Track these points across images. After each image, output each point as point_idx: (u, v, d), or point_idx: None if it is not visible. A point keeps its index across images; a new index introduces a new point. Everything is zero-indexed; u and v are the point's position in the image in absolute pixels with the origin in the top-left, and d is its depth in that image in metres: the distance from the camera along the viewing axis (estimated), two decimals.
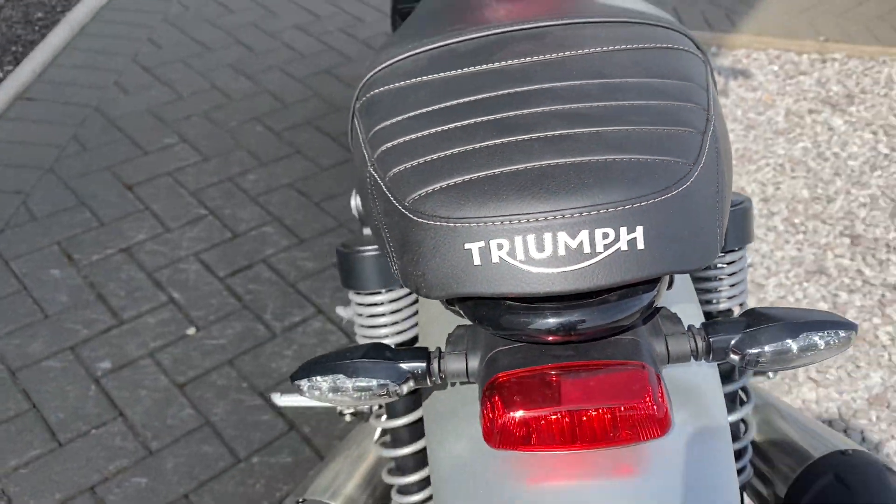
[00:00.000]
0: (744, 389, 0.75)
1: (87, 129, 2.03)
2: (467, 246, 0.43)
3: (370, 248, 0.69)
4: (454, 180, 0.45)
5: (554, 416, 0.42)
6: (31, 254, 1.66)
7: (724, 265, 0.71)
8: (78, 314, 1.53)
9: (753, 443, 0.82)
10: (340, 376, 0.50)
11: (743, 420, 0.74)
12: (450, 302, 0.50)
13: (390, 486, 0.81)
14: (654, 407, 0.41)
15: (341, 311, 0.91)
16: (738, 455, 0.75)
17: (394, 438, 0.77)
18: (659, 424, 0.41)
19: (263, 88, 2.23)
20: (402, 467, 0.78)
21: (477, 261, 0.43)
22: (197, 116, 2.10)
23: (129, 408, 1.37)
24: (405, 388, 0.49)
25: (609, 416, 0.41)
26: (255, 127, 2.08)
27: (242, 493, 1.25)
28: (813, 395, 1.53)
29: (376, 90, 0.60)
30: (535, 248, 0.42)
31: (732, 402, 0.71)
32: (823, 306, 1.72)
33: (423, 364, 0.49)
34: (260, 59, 2.37)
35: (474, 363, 0.48)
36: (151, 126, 2.05)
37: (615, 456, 0.44)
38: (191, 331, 1.51)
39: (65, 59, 2.29)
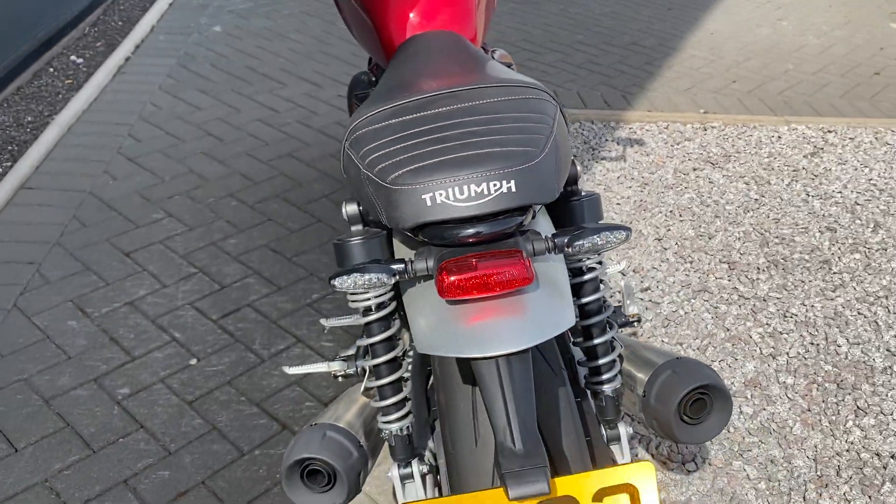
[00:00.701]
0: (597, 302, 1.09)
1: (84, 209, 2.35)
2: (423, 197, 0.81)
3: (357, 237, 1.06)
4: (412, 166, 0.84)
5: (474, 277, 0.78)
6: (50, 310, 1.95)
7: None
8: (96, 354, 1.82)
9: (622, 364, 1.18)
10: (357, 275, 0.86)
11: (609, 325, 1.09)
12: (413, 232, 0.87)
13: (377, 412, 1.15)
14: (525, 270, 0.79)
15: (324, 322, 1.27)
16: (608, 369, 1.11)
17: (376, 373, 1.12)
18: (528, 279, 0.79)
19: (235, 170, 2.60)
20: (382, 395, 1.12)
21: (428, 203, 0.81)
22: (179, 196, 2.45)
23: (148, 421, 1.66)
24: (393, 280, 0.87)
25: (517, 272, 0.79)
26: (231, 202, 2.44)
27: (248, 477, 1.55)
28: None
29: (359, 131, 0.98)
30: (458, 194, 0.80)
31: (588, 292, 1.06)
32: (707, 317, 2.13)
33: (402, 266, 0.86)
34: (229, 146, 2.75)
35: (430, 262, 0.86)
36: (140, 205, 2.39)
37: (508, 301, 0.81)
38: (193, 361, 1.82)
39: (57, 154, 2.63)
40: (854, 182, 2.82)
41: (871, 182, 2.84)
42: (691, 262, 2.34)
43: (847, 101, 3.49)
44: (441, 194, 0.82)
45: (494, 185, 0.81)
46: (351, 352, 1.31)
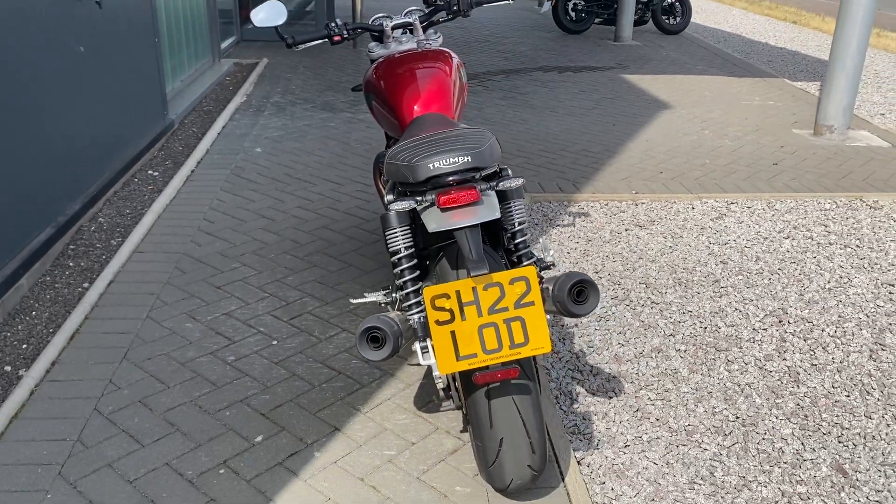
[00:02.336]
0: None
1: (182, 263, 3.27)
2: (429, 165, 1.77)
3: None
4: (423, 154, 1.80)
5: (454, 196, 1.72)
6: (171, 318, 2.83)
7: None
8: (208, 341, 2.69)
9: (549, 290, 2.09)
10: (403, 202, 1.81)
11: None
12: (423, 183, 1.81)
13: (404, 313, 2.04)
14: (477, 193, 1.73)
15: (352, 301, 2.22)
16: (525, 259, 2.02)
17: (403, 288, 2.01)
18: (477, 196, 1.73)
19: (286, 238, 3.55)
20: (406, 300, 2.01)
21: (432, 168, 1.77)
22: (248, 254, 3.38)
23: (249, 373, 2.52)
24: (417, 205, 1.83)
25: (471, 195, 1.72)
26: (286, 256, 3.37)
27: (319, 398, 2.39)
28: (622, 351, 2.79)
29: (395, 150, 1.95)
30: (445, 163, 1.77)
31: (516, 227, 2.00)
32: (628, 315, 3.02)
33: (422, 198, 1.81)
34: (279, 224, 3.71)
35: (433, 195, 1.80)
36: (221, 260, 3.32)
37: (469, 208, 1.74)
38: (274, 342, 2.69)
39: (155, 231, 3.58)
40: (746, 234, 3.79)
41: (759, 233, 3.81)
42: (618, 284, 3.26)
43: (749, 182, 4.53)
44: (437, 163, 1.77)
45: (461, 158, 1.77)
46: (379, 295, 2.22)
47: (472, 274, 1.66)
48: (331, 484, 2.06)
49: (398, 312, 2.12)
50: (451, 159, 1.77)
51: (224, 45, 7.94)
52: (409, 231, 2.04)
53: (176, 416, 2.31)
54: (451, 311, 1.65)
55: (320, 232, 3.64)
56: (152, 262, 3.29)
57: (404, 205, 1.82)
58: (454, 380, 1.99)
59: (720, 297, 3.16)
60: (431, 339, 1.71)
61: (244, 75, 7.15)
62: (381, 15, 2.81)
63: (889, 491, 2.13)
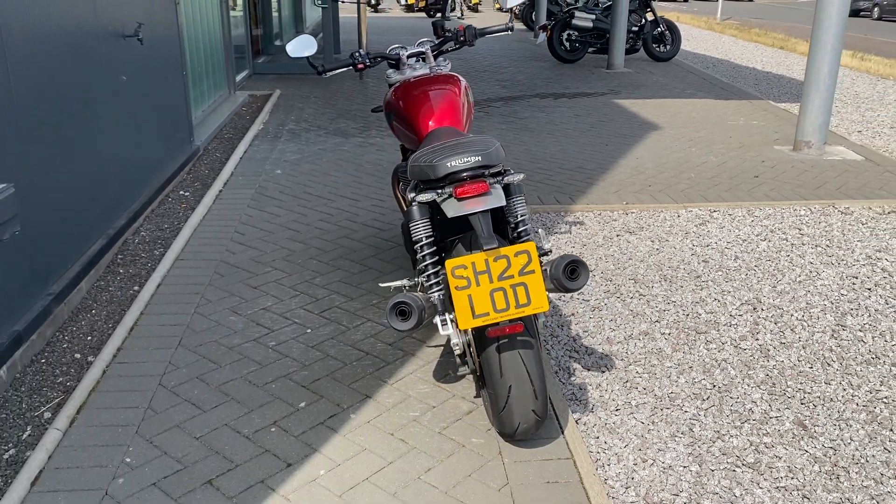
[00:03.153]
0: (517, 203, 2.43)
1: (220, 268, 3.66)
2: (447, 164, 2.17)
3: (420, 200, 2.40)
4: (441, 156, 2.20)
5: (468, 188, 2.12)
6: (216, 313, 3.22)
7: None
8: (250, 331, 3.08)
9: (547, 271, 2.47)
10: (425, 195, 2.20)
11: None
12: (441, 179, 2.21)
13: (426, 292, 2.42)
14: (487, 186, 2.12)
15: (381, 284, 2.61)
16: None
17: (425, 271, 2.40)
18: (487, 188, 2.12)
19: (311, 246, 3.95)
20: (428, 280, 2.40)
21: (449, 166, 2.16)
22: (278, 260, 3.77)
23: (289, 355, 2.90)
24: (437, 197, 2.22)
25: (482, 187, 2.12)
26: (312, 262, 3.76)
27: (351, 373, 2.77)
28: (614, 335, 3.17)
29: (417, 154, 2.36)
30: (460, 162, 2.17)
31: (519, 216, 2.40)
32: (619, 305, 3.40)
33: (442, 191, 2.21)
34: (303, 234, 4.11)
35: (450, 188, 2.19)
36: (255, 265, 3.71)
37: (482, 198, 2.13)
38: (308, 330, 3.08)
39: (193, 241, 3.97)
40: (726, 237, 4.19)
41: (738, 236, 4.20)
42: (610, 281, 3.65)
43: (731, 193, 4.93)
44: (453, 162, 2.17)
45: (473, 158, 2.17)
46: (404, 281, 2.61)
47: (484, 248, 2.04)
48: (366, 438, 2.43)
49: (421, 293, 2.50)
50: (465, 159, 2.17)
51: (238, 77, 8.41)
52: (429, 223, 2.43)
53: (229, 388, 2.69)
54: (467, 278, 2.03)
55: (342, 241, 4.04)
56: (194, 267, 3.68)
57: (427, 197, 2.21)
58: (469, 346, 2.37)
59: (701, 290, 3.54)
60: (453, 302, 2.08)
61: (259, 105, 7.60)
62: (396, 46, 3.24)
63: (842, 440, 2.49)
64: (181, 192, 4.88)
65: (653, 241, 4.13)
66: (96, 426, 2.47)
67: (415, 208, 2.41)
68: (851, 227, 4.35)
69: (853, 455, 2.41)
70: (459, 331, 2.40)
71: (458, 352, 2.38)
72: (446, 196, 2.21)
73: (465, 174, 2.18)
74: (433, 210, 2.48)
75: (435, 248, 2.43)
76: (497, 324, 2.05)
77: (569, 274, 2.27)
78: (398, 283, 2.60)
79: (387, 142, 6.17)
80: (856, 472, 2.33)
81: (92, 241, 3.63)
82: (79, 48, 3.56)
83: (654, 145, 6.15)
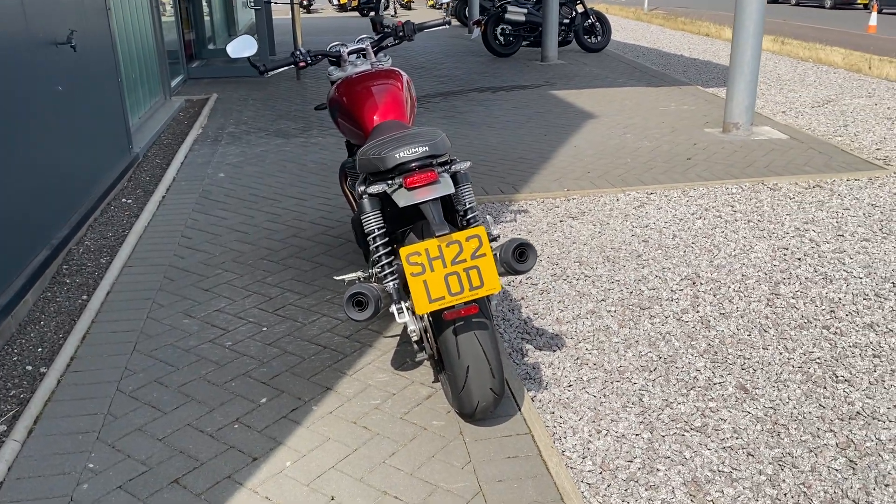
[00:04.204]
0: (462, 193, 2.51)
1: (169, 273, 3.65)
2: (395, 155, 2.24)
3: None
4: (390, 147, 2.27)
5: (417, 178, 2.18)
6: (169, 317, 3.21)
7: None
8: (205, 332, 3.09)
9: (497, 256, 2.56)
10: (376, 186, 2.26)
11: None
12: (391, 170, 2.27)
13: (381, 283, 2.49)
14: (436, 174, 2.19)
15: (336, 277, 2.66)
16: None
17: (379, 262, 2.46)
18: (436, 176, 2.20)
19: (260, 247, 3.96)
20: (382, 271, 2.46)
21: (398, 157, 2.23)
22: (228, 261, 3.78)
23: (247, 354, 2.92)
24: (388, 189, 2.29)
25: (431, 176, 2.19)
26: (263, 262, 3.77)
27: (310, 367, 2.81)
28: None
29: (366, 147, 2.42)
30: (408, 153, 2.24)
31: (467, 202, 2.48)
32: (565, 286, 3.51)
33: (391, 182, 2.26)
34: (252, 236, 4.12)
35: (400, 179, 2.25)
36: (205, 268, 3.71)
37: (431, 186, 2.20)
38: (264, 328, 3.10)
39: (139, 248, 3.94)
40: (664, 217, 4.35)
41: (675, 216, 4.37)
42: (556, 264, 3.76)
43: (667, 175, 5.11)
44: (402, 153, 2.24)
45: (421, 148, 2.24)
46: (358, 273, 2.66)
47: (437, 234, 2.11)
48: (329, 428, 2.48)
49: (376, 283, 2.56)
50: (413, 149, 2.24)
51: (173, 83, 8.29)
52: (380, 214, 2.49)
53: (189, 389, 2.70)
54: (422, 264, 2.10)
55: (291, 240, 4.06)
56: (143, 273, 3.66)
57: (378, 188, 2.27)
58: (426, 332, 2.44)
59: (642, 268, 3.69)
60: (409, 289, 2.14)
61: (196, 110, 7.52)
62: (336, 43, 3.28)
63: (780, 400, 2.65)
64: (123, 200, 4.82)
65: (594, 225, 4.26)
66: (56, 435, 2.46)
67: (365, 201, 2.47)
68: (780, 202, 4.57)
69: (791, 413, 2.56)
70: (416, 317, 2.47)
71: (415, 338, 2.45)
72: (396, 186, 2.27)
73: (413, 164, 2.25)
74: (384, 202, 2.53)
75: (387, 238, 2.49)
76: (453, 307, 2.13)
77: (517, 256, 2.36)
78: (352, 275, 2.65)
79: (329, 141, 6.19)
80: (794, 429, 2.48)
81: (35, 252, 3.58)
82: (9, 56, 3.50)
83: (591, 133, 6.31)
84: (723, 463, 2.33)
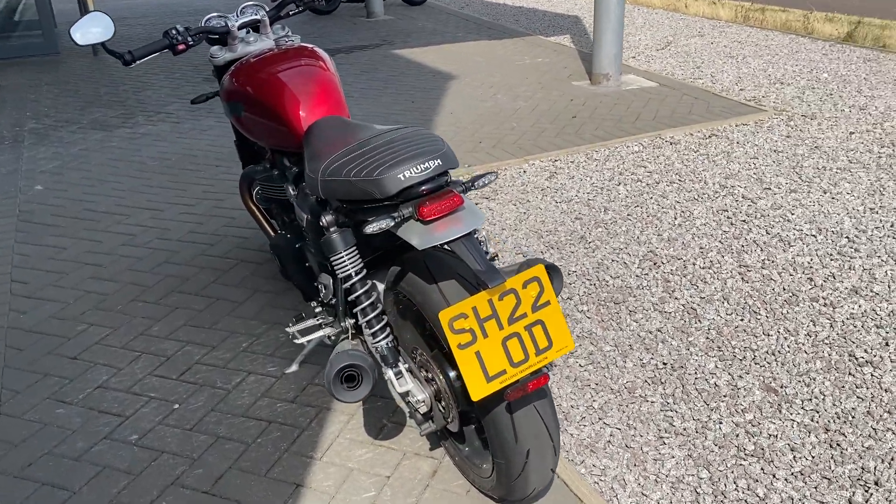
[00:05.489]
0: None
1: (13, 339, 2.72)
2: (399, 176, 1.59)
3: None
4: (385, 165, 1.62)
5: (438, 205, 1.56)
6: (34, 408, 2.35)
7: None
8: (93, 422, 2.27)
9: None
10: (382, 221, 1.61)
11: None
12: (394, 196, 1.62)
13: (368, 340, 1.85)
14: (460, 199, 1.58)
15: (289, 329, 1.98)
16: None
17: (363, 314, 1.82)
18: (461, 202, 1.58)
19: (126, 283, 3.09)
20: (370, 326, 1.82)
21: (403, 178, 1.59)
22: (89, 311, 2.90)
23: (168, 447, 2.16)
24: (395, 222, 1.62)
25: (455, 201, 1.57)
26: (137, 303, 2.93)
27: (260, 457, 2.12)
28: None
29: (333, 166, 1.74)
30: (416, 171, 1.60)
31: None
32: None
33: (398, 213, 1.61)
34: (111, 268, 3.22)
35: (410, 208, 1.61)
36: (59, 324, 2.81)
37: (453, 216, 1.59)
38: (176, 406, 2.33)
39: None
40: (582, 187, 3.96)
41: (593, 185, 3.99)
42: (494, 260, 3.25)
43: (561, 138, 4.73)
44: (408, 173, 1.60)
45: (431, 163, 1.61)
46: (327, 331, 2.00)
47: (490, 285, 1.52)
48: None
49: (353, 342, 1.92)
50: (422, 166, 1.61)
51: None
52: (357, 252, 1.84)
53: None
54: (471, 330, 1.51)
55: (164, 268, 3.22)
56: None
57: (380, 225, 1.62)
58: (438, 399, 1.85)
59: (593, 253, 3.27)
60: (458, 366, 1.53)
61: None
62: (215, 15, 2.49)
63: (815, 398, 2.34)
64: None
65: (515, 206, 3.79)
66: None
67: (336, 237, 1.80)
68: (687, 157, 4.34)
69: (837, 414, 2.26)
70: (422, 381, 1.86)
71: (423, 410, 1.85)
72: (402, 219, 1.63)
73: (423, 187, 1.62)
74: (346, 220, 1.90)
75: (370, 283, 1.85)
76: (516, 382, 1.55)
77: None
78: (316, 334, 1.98)
79: (162, 129, 5.19)
80: (851, 433, 2.18)
81: None
82: None
83: (459, 96, 5.80)
84: (805, 498, 1.97)
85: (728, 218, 3.55)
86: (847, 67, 6.29)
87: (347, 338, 2.00)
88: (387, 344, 1.82)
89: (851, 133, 4.60)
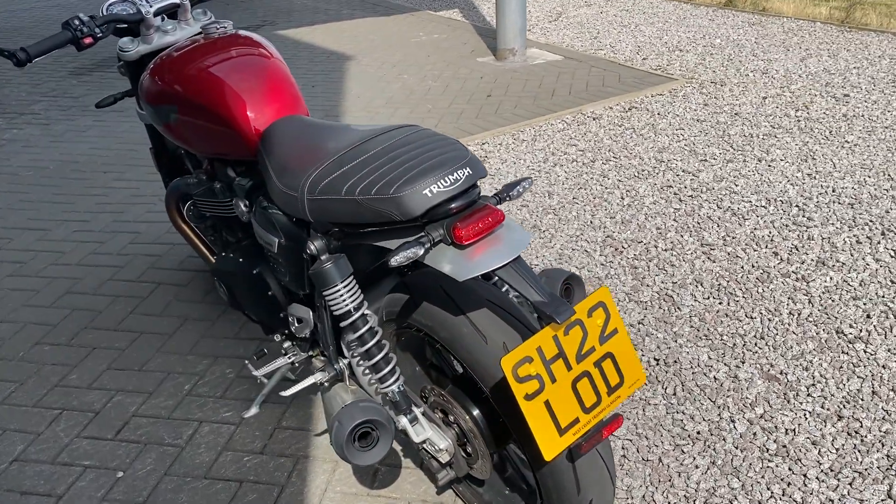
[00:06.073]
0: None
1: None
2: (423, 192, 1.30)
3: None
4: (402, 179, 1.31)
5: (477, 225, 1.28)
6: None
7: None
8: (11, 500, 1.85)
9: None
10: (410, 250, 1.30)
11: None
12: (418, 218, 1.32)
13: (374, 386, 1.55)
14: (501, 213, 1.30)
15: (255, 373, 1.66)
16: None
17: (367, 356, 1.51)
18: (503, 216, 1.31)
19: (26, 321, 2.61)
20: (377, 369, 1.52)
21: (430, 195, 1.29)
22: None
23: None
24: (425, 249, 1.32)
25: (496, 217, 1.30)
26: (45, 347, 2.47)
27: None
28: None
29: (323, 182, 1.41)
30: (444, 184, 1.31)
31: None
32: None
33: (427, 238, 1.31)
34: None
35: (440, 230, 1.31)
36: None
37: (494, 235, 1.32)
38: (119, 474, 1.94)
39: None
40: (519, 171, 3.75)
41: (529, 168, 3.79)
42: None
43: (482, 119, 4.50)
44: (434, 187, 1.30)
45: (460, 173, 1.32)
46: (319, 375, 1.68)
47: (560, 319, 1.25)
48: None
49: (352, 387, 1.62)
50: (450, 177, 1.31)
51: None
52: (355, 283, 1.53)
53: None
54: (538, 376, 1.24)
55: (68, 301, 2.75)
56: None
57: (410, 254, 1.31)
58: (463, 445, 1.58)
59: (551, 242, 3.07)
60: (527, 421, 1.25)
61: None
62: (115, 1, 2.07)
63: (819, 382, 2.24)
64: None
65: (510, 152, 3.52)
66: None
67: (330, 267, 1.48)
68: (613, 132, 4.22)
69: (845, 398, 2.17)
70: (441, 428, 1.58)
71: (445, 459, 1.58)
72: (431, 245, 1.33)
73: (453, 205, 1.33)
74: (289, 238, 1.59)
75: (373, 316, 1.54)
76: (588, 431, 1.30)
77: (565, 294, 1.62)
78: (305, 382, 1.65)
79: (31, 133, 4.55)
80: (866, 419, 2.09)
81: None
82: None
83: (363, 78, 5.45)
84: (844, 497, 1.85)
85: (675, 194, 3.44)
86: (736, 32, 6.39)
87: (344, 382, 1.68)
88: (398, 387, 1.53)
89: (764, 98, 4.62)
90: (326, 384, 1.69)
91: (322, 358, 1.90)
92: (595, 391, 1.29)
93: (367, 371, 1.56)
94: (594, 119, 4.44)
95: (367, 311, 1.51)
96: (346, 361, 1.68)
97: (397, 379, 1.53)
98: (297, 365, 1.87)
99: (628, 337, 1.34)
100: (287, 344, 1.90)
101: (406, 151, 1.40)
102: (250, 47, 1.91)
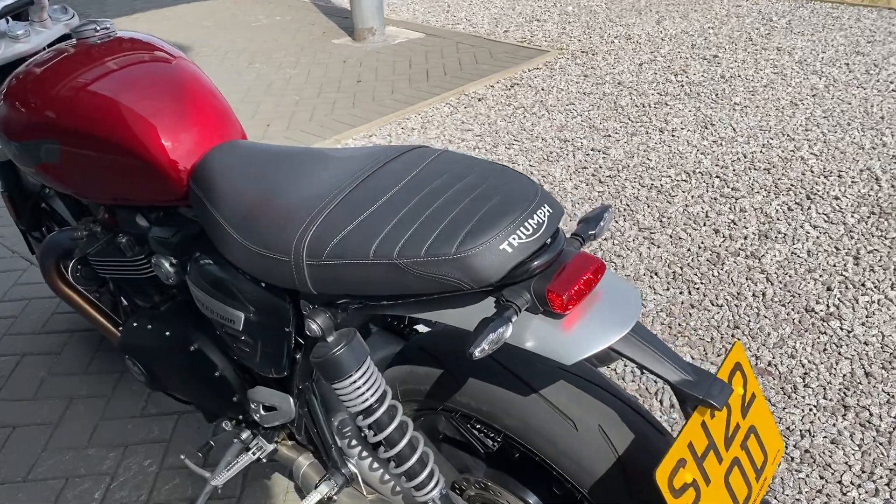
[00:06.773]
0: None
1: None
2: (500, 247, 0.92)
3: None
4: (463, 231, 0.94)
5: (579, 285, 0.92)
6: None
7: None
8: None
9: None
10: (493, 335, 0.89)
11: None
12: (496, 282, 0.94)
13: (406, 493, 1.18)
14: (600, 261, 0.96)
15: (211, 479, 1.25)
16: None
17: (398, 459, 1.14)
18: (604, 265, 0.96)
19: None
20: (411, 475, 1.15)
21: (510, 250, 0.91)
22: None
23: None
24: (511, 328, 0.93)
25: (597, 270, 0.95)
26: None
27: None
28: None
29: (335, 239, 1.00)
30: (525, 232, 0.93)
31: None
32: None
33: (512, 311, 0.93)
34: None
35: (526, 295, 0.93)
36: None
37: (593, 295, 0.97)
38: None
39: None
40: None
41: None
42: None
43: (359, 108, 4.09)
44: (514, 239, 0.93)
45: (540, 214, 0.96)
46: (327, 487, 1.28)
47: (718, 404, 0.94)
48: None
49: (370, 496, 1.24)
50: (531, 222, 0.94)
51: None
52: (373, 367, 1.14)
53: None
54: (693, 483, 0.92)
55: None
56: None
57: (496, 338, 0.93)
58: None
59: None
60: None
61: None
62: None
63: (810, 369, 2.11)
64: None
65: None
66: None
67: (343, 353, 1.08)
68: (506, 113, 3.97)
69: (842, 385, 2.05)
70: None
71: None
72: (516, 313, 0.96)
73: (540, 259, 0.96)
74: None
75: (399, 407, 1.16)
76: None
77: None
78: (314, 496, 1.24)
79: None
80: (871, 405, 1.98)
81: None
82: None
83: (209, 70, 4.85)
84: (889, 501, 1.72)
85: (593, 175, 3.24)
86: None
87: (358, 486, 1.29)
88: (439, 493, 1.17)
89: (640, 65, 4.56)
90: (335, 498, 1.29)
91: (289, 443, 1.49)
92: (745, 480, 1.01)
93: (398, 477, 1.18)
94: (480, 100, 4.17)
95: (393, 402, 1.14)
96: (353, 462, 1.28)
97: (437, 482, 1.17)
98: (263, 460, 1.45)
99: (764, 399, 1.07)
100: (245, 434, 1.47)
101: (445, 188, 1.02)
102: (151, 52, 1.43)
